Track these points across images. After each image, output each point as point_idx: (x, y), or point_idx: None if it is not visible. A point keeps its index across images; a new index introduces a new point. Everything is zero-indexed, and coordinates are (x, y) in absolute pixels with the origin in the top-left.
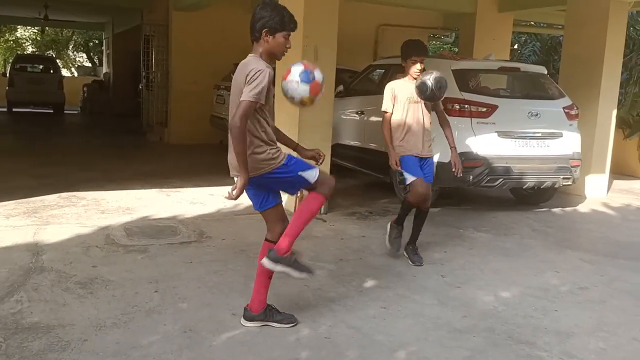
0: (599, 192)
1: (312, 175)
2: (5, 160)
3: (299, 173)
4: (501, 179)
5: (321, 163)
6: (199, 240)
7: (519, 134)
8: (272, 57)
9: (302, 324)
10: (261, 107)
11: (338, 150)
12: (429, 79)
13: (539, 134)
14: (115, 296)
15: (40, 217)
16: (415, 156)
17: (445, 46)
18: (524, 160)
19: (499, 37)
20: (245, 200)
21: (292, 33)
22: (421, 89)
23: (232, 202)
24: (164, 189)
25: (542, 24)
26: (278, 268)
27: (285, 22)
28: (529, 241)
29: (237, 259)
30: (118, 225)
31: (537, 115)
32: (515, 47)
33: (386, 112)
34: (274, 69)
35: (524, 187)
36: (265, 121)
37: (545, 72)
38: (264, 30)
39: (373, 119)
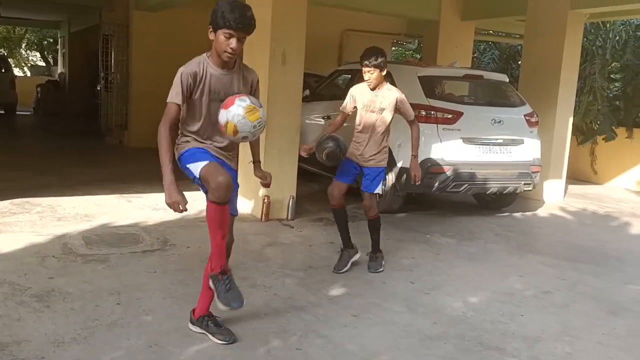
0: (556, 197)
1: (195, 169)
2: None
3: (186, 165)
4: (466, 185)
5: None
6: (163, 249)
7: (483, 140)
8: (218, 56)
9: (271, 335)
10: (188, 106)
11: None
12: (323, 153)
13: (502, 141)
14: (74, 309)
15: None
16: (354, 162)
17: (407, 52)
18: (488, 166)
19: (462, 44)
20: (201, 206)
21: (241, 33)
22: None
23: (197, 209)
24: (124, 194)
25: (501, 33)
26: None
27: (225, 18)
28: (492, 246)
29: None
30: (76, 233)
31: (500, 122)
32: (475, 55)
33: (342, 112)
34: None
35: (487, 193)
36: (194, 119)
37: (507, 80)
38: (209, 26)
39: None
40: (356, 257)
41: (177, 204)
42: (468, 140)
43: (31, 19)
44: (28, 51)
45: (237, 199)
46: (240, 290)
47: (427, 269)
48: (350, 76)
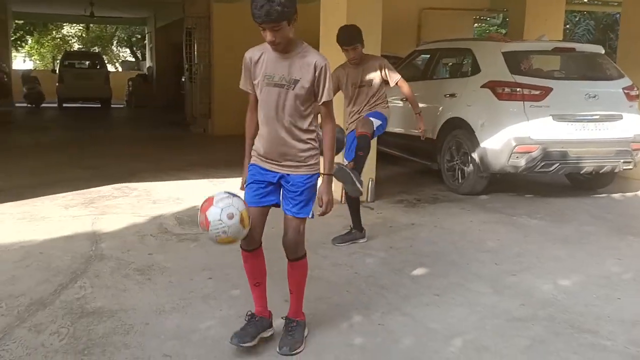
0: None
1: None
2: (59, 153)
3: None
4: (557, 164)
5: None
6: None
7: (576, 116)
8: None
9: (354, 311)
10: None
11: (383, 137)
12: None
13: (597, 117)
14: (172, 282)
15: (96, 207)
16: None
17: (491, 28)
18: (581, 144)
19: (551, 17)
20: None
21: (268, 25)
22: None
23: None
24: (211, 179)
25: (596, 1)
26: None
27: (253, 14)
28: (587, 228)
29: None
30: (169, 214)
31: (594, 96)
32: (567, 26)
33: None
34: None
35: (581, 172)
36: (259, 106)
37: (602, 51)
38: None
39: (419, 105)
40: (361, 241)
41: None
42: (558, 117)
43: (120, 17)
44: (119, 48)
45: (306, 203)
46: (250, 333)
47: (514, 251)
48: (429, 56)
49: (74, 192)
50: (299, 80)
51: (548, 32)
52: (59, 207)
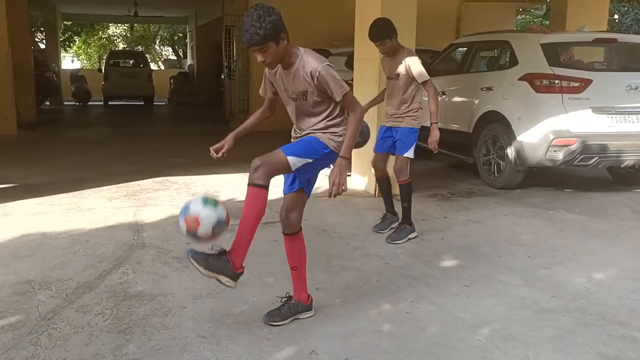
0: None
1: None
2: (103, 148)
3: None
4: (596, 158)
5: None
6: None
7: (617, 109)
8: None
9: (382, 299)
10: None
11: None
12: None
13: (639, 109)
14: None
15: (138, 199)
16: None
17: (535, 20)
18: (622, 137)
19: (595, 7)
20: (321, 183)
21: (255, 47)
22: None
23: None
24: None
25: None
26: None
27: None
28: (627, 222)
29: (319, 238)
30: None
31: (637, 88)
32: (615, 17)
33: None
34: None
35: (622, 166)
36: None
37: None
38: None
39: (455, 99)
40: (395, 224)
41: None
42: (598, 110)
43: (163, 16)
44: (161, 46)
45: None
46: (282, 314)
47: (549, 245)
48: (466, 49)
49: (117, 185)
50: (306, 91)
51: (591, 22)
52: (104, 199)
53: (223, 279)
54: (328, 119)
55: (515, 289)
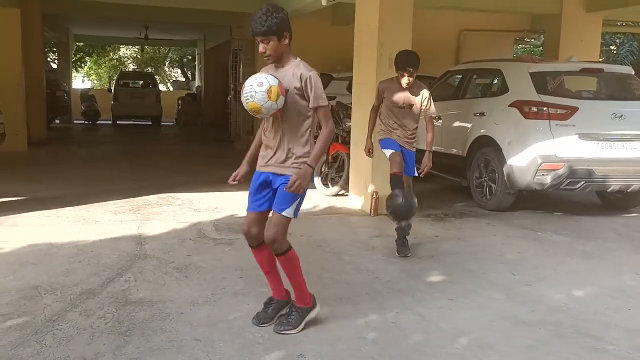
0: None
1: None
2: (111, 166)
3: None
4: (583, 182)
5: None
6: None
7: (603, 136)
8: None
9: (370, 310)
10: None
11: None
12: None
13: (627, 136)
14: (207, 280)
15: (142, 214)
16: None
17: (534, 50)
18: (608, 162)
19: (587, 38)
20: (320, 202)
21: (259, 38)
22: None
23: (312, 204)
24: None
25: (636, 23)
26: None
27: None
28: (611, 245)
29: (313, 253)
30: (208, 222)
31: (621, 116)
32: (612, 48)
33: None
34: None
35: (608, 191)
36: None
37: (633, 72)
38: None
39: (451, 124)
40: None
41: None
42: (585, 136)
43: (172, 40)
44: (171, 68)
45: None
46: (270, 315)
47: (533, 264)
48: (461, 76)
49: (123, 200)
50: (290, 89)
51: (584, 53)
52: (110, 213)
53: (311, 317)
54: (299, 139)
55: (497, 303)
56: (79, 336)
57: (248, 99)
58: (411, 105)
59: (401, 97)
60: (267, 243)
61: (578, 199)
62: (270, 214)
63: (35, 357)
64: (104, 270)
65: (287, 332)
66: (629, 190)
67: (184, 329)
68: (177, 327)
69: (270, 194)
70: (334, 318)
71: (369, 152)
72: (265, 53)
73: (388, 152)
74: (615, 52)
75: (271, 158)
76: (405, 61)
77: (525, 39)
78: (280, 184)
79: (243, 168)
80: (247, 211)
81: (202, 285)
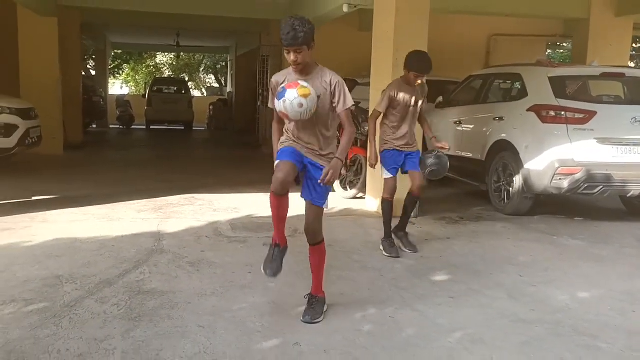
0: None
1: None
2: (141, 168)
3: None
4: (601, 187)
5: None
6: (293, 235)
7: (621, 140)
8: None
9: (370, 305)
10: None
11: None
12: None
13: None
14: (217, 273)
15: (164, 212)
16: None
17: (568, 53)
18: (627, 167)
19: (617, 42)
20: (337, 204)
21: (292, 47)
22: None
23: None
24: (266, 193)
25: None
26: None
27: (282, 38)
28: (628, 250)
29: None
30: (225, 221)
31: None
32: None
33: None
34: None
35: (628, 196)
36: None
37: None
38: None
39: (471, 128)
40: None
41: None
42: (603, 140)
43: (205, 46)
44: (205, 74)
45: (318, 194)
46: (281, 265)
47: (544, 266)
48: (482, 81)
49: (147, 199)
50: (320, 96)
51: (613, 57)
52: (133, 211)
53: (326, 308)
54: (329, 139)
55: (499, 302)
56: (93, 320)
57: (295, 97)
58: (417, 103)
59: (411, 96)
60: (308, 233)
61: (601, 205)
62: (307, 208)
63: (51, 337)
64: (122, 263)
65: (316, 321)
66: None
67: (190, 317)
68: (183, 315)
69: (303, 166)
70: (334, 311)
71: (374, 163)
72: (297, 61)
73: (386, 174)
74: None
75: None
76: (423, 61)
77: (558, 43)
78: (318, 172)
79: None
80: (282, 160)
81: (212, 279)
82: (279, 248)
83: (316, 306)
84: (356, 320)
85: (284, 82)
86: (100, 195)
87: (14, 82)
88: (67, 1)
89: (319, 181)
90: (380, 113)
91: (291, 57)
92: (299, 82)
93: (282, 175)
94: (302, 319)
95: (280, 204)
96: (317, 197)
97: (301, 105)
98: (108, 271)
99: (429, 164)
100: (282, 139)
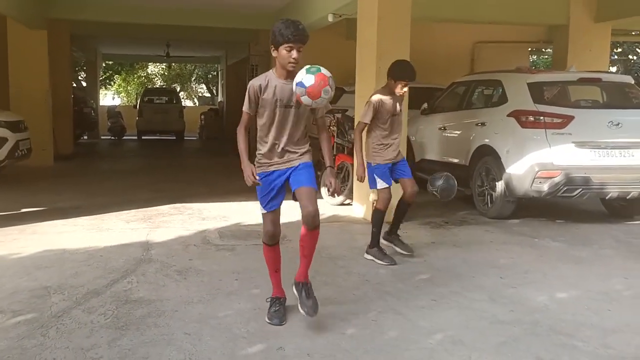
0: None
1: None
2: (132, 178)
3: (260, 196)
4: (580, 189)
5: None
6: (280, 242)
7: (599, 143)
8: (282, 69)
9: (353, 309)
10: (260, 113)
11: (423, 165)
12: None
13: (624, 144)
14: (203, 281)
15: (153, 222)
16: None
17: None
18: (605, 170)
19: (596, 48)
20: (325, 211)
21: (298, 44)
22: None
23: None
24: (255, 201)
25: None
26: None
27: (284, 35)
28: (607, 251)
29: None
30: (214, 229)
31: (618, 124)
32: (631, 57)
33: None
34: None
35: (607, 198)
36: (266, 123)
37: (632, 81)
38: (271, 46)
39: (454, 134)
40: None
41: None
42: (581, 144)
43: (195, 56)
44: (197, 84)
45: (307, 177)
46: (284, 315)
47: (524, 268)
48: (464, 88)
49: (136, 209)
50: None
51: (593, 62)
52: (122, 221)
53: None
54: (305, 137)
55: (478, 304)
56: (80, 330)
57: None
58: (400, 111)
59: (395, 104)
60: (309, 217)
61: (583, 207)
62: (302, 193)
63: (38, 347)
64: (110, 273)
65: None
66: (628, 197)
67: (176, 324)
68: (169, 323)
69: (282, 189)
70: (318, 316)
71: (363, 177)
72: (298, 59)
73: (381, 185)
74: (632, 61)
75: (282, 156)
76: (407, 70)
77: (543, 49)
78: (300, 163)
79: (251, 166)
80: (268, 212)
81: (199, 286)
82: (279, 300)
83: (312, 292)
84: (340, 324)
85: (267, 85)
86: (90, 206)
87: (4, 94)
88: (56, 14)
89: (327, 191)
90: (366, 124)
91: (294, 54)
92: (322, 71)
93: (272, 228)
94: (308, 315)
95: (275, 254)
96: (307, 180)
97: (327, 92)
98: (96, 281)
99: (438, 185)
100: (258, 157)
